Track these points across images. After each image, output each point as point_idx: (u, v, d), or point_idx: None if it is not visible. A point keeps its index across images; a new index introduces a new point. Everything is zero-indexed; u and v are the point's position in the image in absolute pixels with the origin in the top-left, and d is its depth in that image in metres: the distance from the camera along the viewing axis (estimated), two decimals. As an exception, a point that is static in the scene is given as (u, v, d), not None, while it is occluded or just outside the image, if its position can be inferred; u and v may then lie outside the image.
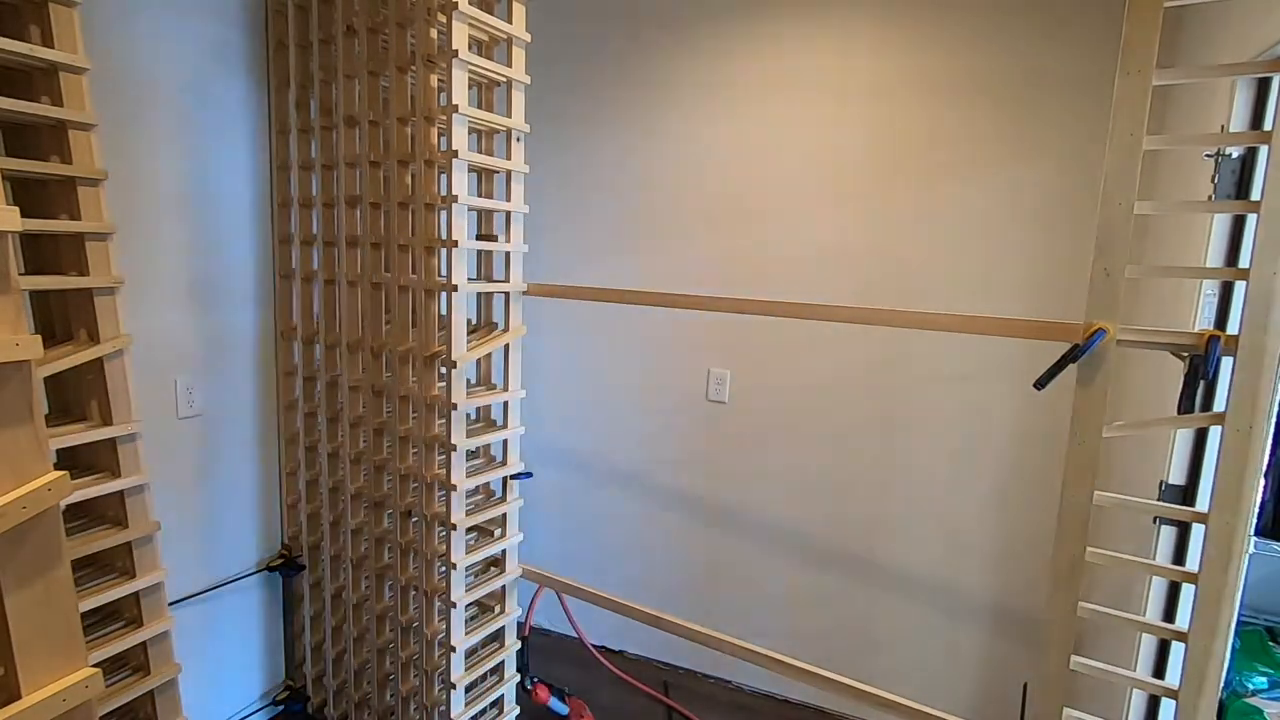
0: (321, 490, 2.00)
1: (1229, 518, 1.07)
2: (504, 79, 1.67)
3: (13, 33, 1.25)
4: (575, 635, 2.42)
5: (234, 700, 2.10)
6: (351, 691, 2.05)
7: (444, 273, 1.64)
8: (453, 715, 1.79)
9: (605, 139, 2.42)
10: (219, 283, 1.89)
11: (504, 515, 1.88)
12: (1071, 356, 1.15)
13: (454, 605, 1.73)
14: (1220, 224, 1.34)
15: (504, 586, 1.92)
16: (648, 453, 2.52)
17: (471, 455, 1.91)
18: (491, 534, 1.92)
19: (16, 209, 0.92)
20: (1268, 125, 1.23)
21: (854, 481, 2.23)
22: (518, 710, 2.02)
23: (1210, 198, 1.34)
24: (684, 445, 2.45)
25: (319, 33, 1.82)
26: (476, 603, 1.92)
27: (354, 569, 1.97)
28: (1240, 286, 1.08)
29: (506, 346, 1.81)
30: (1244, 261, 1.15)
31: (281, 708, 2.20)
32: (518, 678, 2.00)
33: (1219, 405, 1.27)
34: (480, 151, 1.77)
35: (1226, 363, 1.07)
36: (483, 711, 1.92)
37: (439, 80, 1.64)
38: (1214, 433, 1.31)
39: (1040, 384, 1.16)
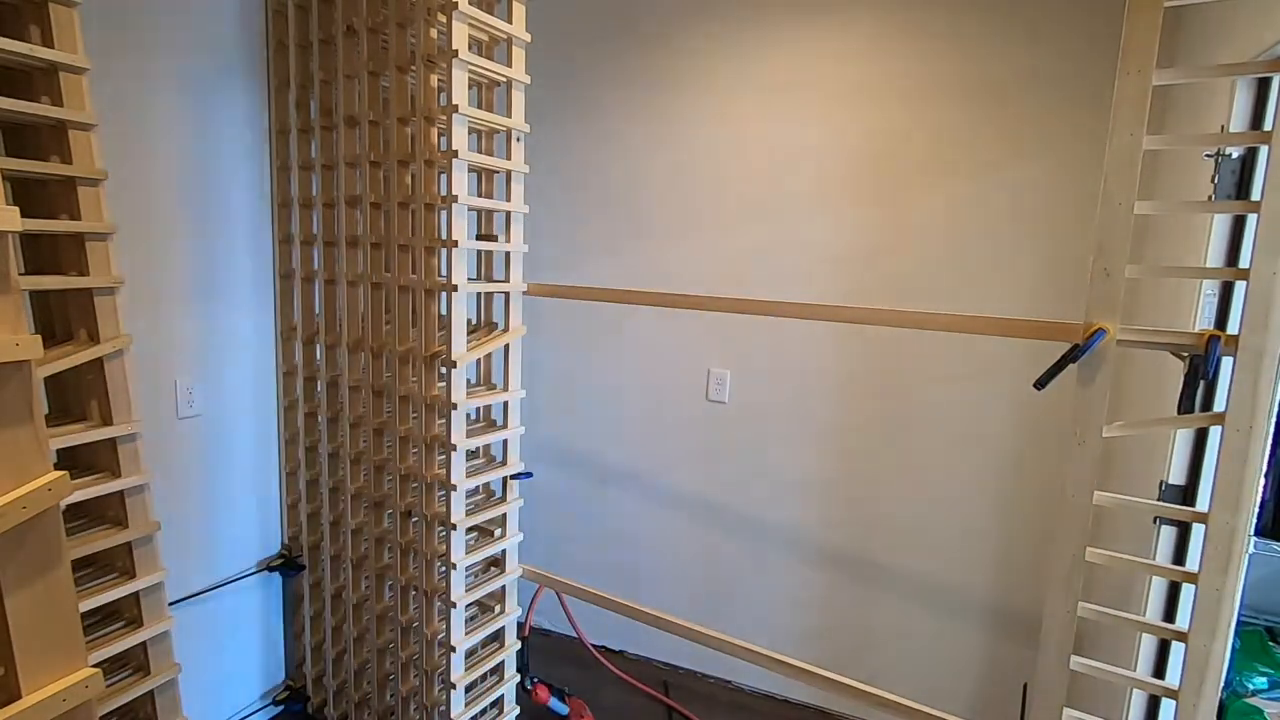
0: (321, 490, 2.00)
1: (1229, 518, 1.07)
2: (504, 79, 1.67)
3: (13, 33, 1.25)
4: (575, 635, 2.42)
5: (234, 700, 2.10)
6: (351, 691, 2.05)
7: (444, 273, 1.64)
8: (453, 715, 1.79)
9: (605, 139, 2.42)
10: (219, 283, 1.89)
11: (504, 515, 1.88)
12: (1071, 356, 1.15)
13: (454, 605, 1.73)
14: (1220, 224, 1.34)
15: (504, 586, 1.92)
16: (648, 452, 2.52)
17: (471, 455, 1.91)
18: (491, 534, 1.92)
19: (16, 209, 0.92)
20: (1268, 125, 1.23)
21: (854, 481, 2.23)
22: (518, 710, 2.02)
23: (1210, 198, 1.34)
24: (684, 445, 2.45)
25: (319, 33, 1.82)
26: (476, 603, 1.92)
27: (354, 569, 1.97)
28: (1240, 286, 1.08)
29: (506, 346, 1.81)
30: (1244, 261, 1.15)
31: (281, 708, 2.20)
32: (518, 678, 2.00)
33: (1219, 405, 1.27)
34: (480, 151, 1.77)
35: (1226, 363, 1.07)
36: (483, 711, 1.92)
37: (439, 80, 1.64)
38: (1214, 433, 1.31)
39: (1040, 384, 1.16)
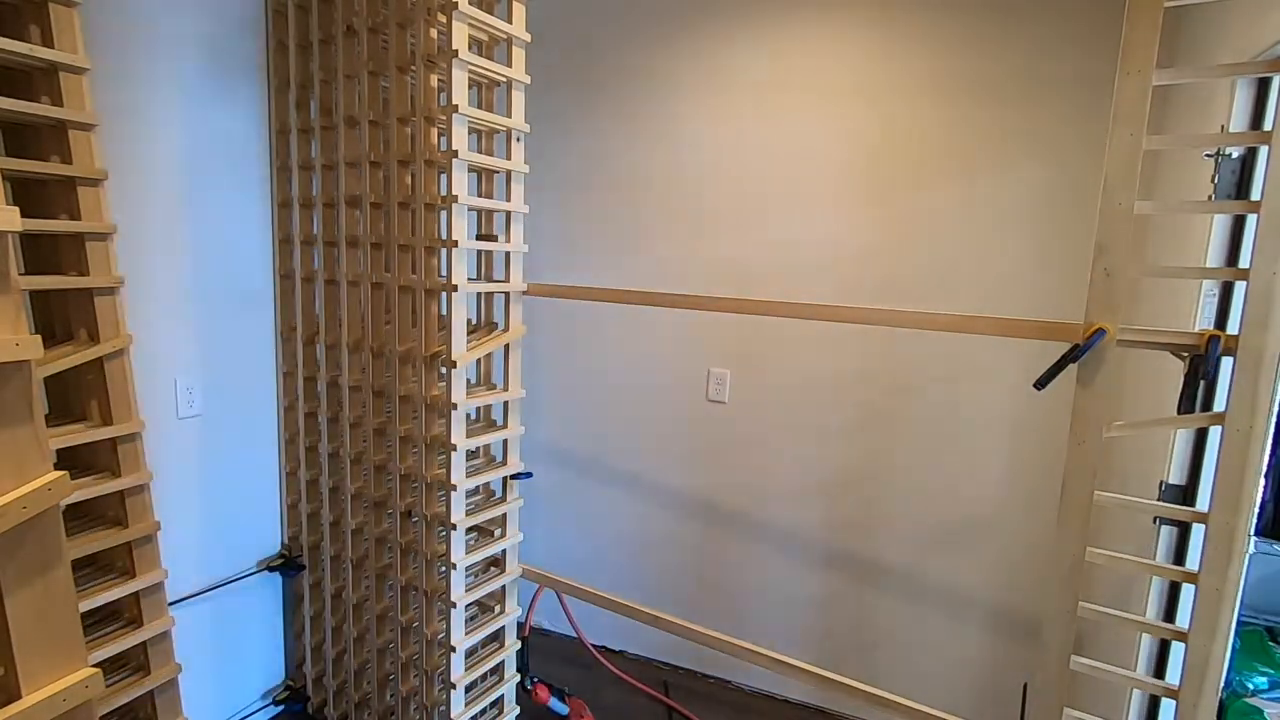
0: (321, 490, 2.00)
1: (1229, 518, 1.07)
2: (504, 79, 1.67)
3: (13, 33, 1.25)
4: (575, 635, 2.42)
5: (234, 700, 2.10)
6: (351, 691, 2.05)
7: (444, 273, 1.64)
8: (453, 715, 1.79)
9: (605, 139, 2.42)
10: (219, 283, 1.89)
11: (504, 515, 1.88)
12: (1071, 356, 1.15)
13: (454, 605, 1.73)
14: (1220, 224, 1.34)
15: (504, 586, 1.92)
16: (648, 452, 2.52)
17: (471, 455, 1.91)
18: (491, 534, 1.92)
19: (16, 209, 0.92)
20: (1268, 125, 1.23)
21: (854, 481, 2.23)
22: (518, 710, 2.02)
23: (1210, 198, 1.34)
24: (684, 445, 2.45)
25: (319, 33, 1.82)
26: (476, 603, 1.92)
27: (354, 569, 1.97)
28: (1240, 286, 1.08)
29: (506, 346, 1.81)
30: (1244, 261, 1.15)
31: (282, 708, 2.20)
32: (518, 678, 2.00)
33: (1219, 405, 1.27)
34: (480, 151, 1.77)
35: (1226, 363, 1.07)
36: (483, 711, 1.92)
37: (439, 80, 1.64)
38: (1214, 433, 1.31)
39: (1040, 384, 1.16)
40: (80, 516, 1.45)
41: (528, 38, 1.67)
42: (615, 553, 2.63)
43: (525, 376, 1.87)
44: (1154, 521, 1.43)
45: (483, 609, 1.95)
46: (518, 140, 1.72)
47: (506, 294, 1.80)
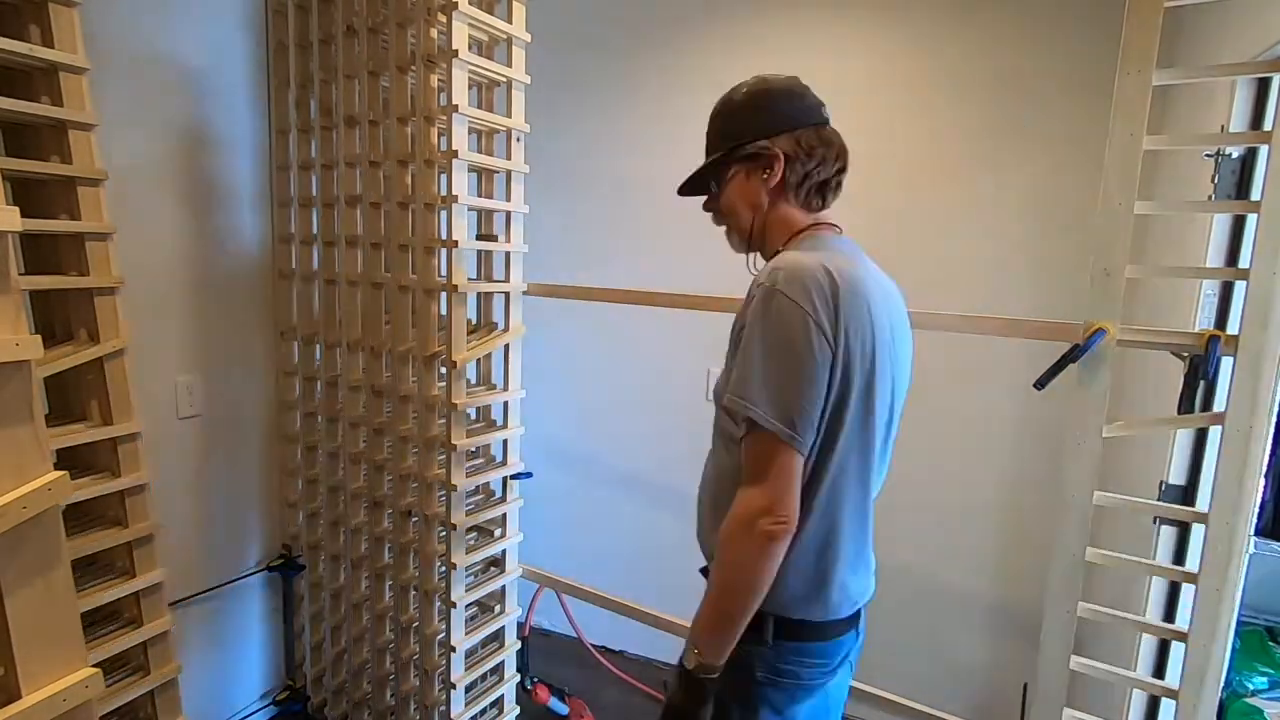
0: (321, 490, 2.00)
1: (1229, 518, 1.07)
2: (504, 79, 1.67)
3: (13, 33, 1.25)
4: (575, 635, 2.42)
5: (234, 700, 2.10)
6: (351, 691, 2.05)
7: (444, 273, 1.64)
8: (453, 715, 1.79)
9: (606, 138, 2.42)
10: (219, 283, 1.89)
11: (504, 515, 1.88)
12: (1071, 356, 1.15)
13: (454, 605, 1.73)
14: (1220, 224, 1.34)
15: (504, 586, 1.92)
16: (648, 452, 2.52)
17: (471, 455, 1.91)
18: (491, 534, 1.92)
19: (16, 209, 0.92)
20: (1268, 125, 1.23)
21: (854, 481, 2.23)
22: (518, 710, 2.02)
23: (1210, 198, 1.34)
24: (684, 445, 2.44)
25: (319, 33, 1.82)
26: (476, 603, 1.92)
27: (354, 569, 1.97)
28: (1240, 286, 1.08)
29: (506, 346, 1.81)
30: (1244, 261, 1.15)
31: (281, 708, 2.20)
32: (518, 678, 2.00)
33: (1219, 405, 1.27)
34: (480, 151, 1.77)
35: (1226, 363, 1.07)
36: (483, 711, 1.92)
37: (439, 80, 1.64)
38: (1214, 433, 1.31)
39: (1040, 384, 1.16)
40: (80, 516, 1.45)
41: (528, 38, 1.67)
42: (615, 553, 2.63)
43: (525, 376, 1.87)
44: (1154, 521, 1.43)
45: (483, 609, 1.95)
46: (518, 140, 1.72)
47: (506, 294, 1.80)
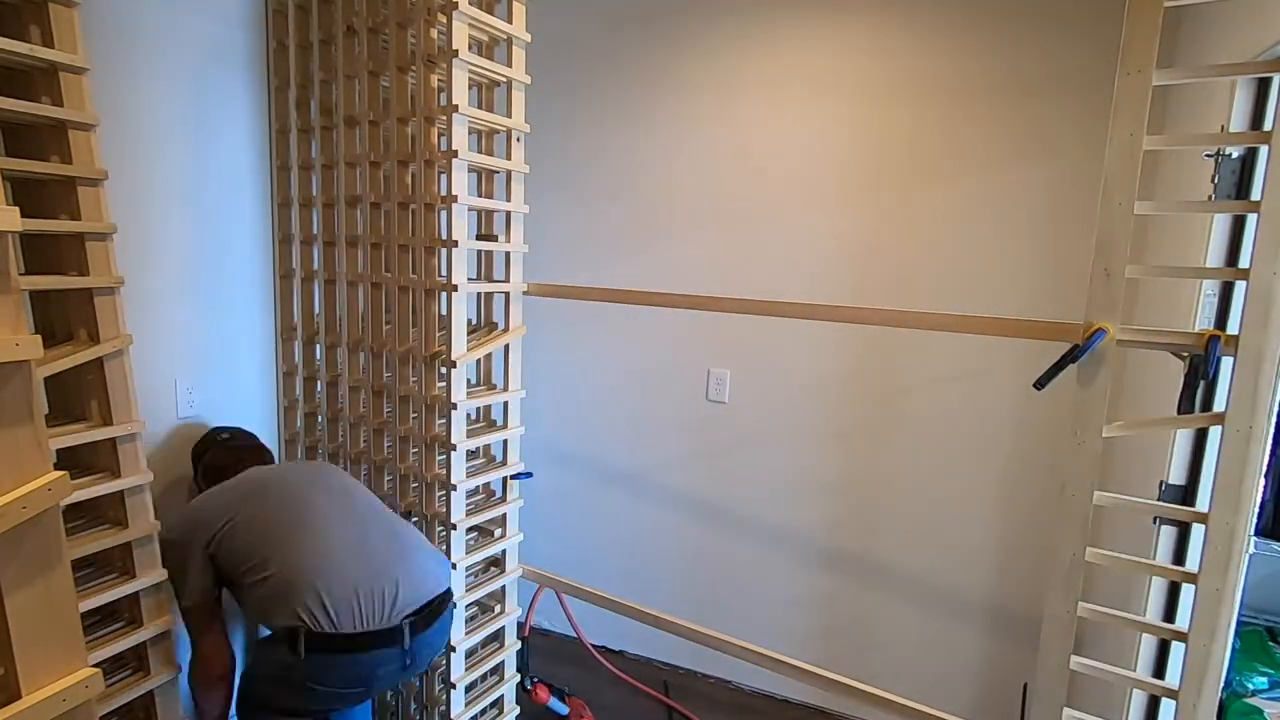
0: (321, 490, 2.00)
1: (1229, 518, 1.07)
2: (504, 79, 1.67)
3: (13, 33, 1.25)
4: (575, 635, 2.42)
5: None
6: (351, 691, 2.05)
7: (444, 273, 1.64)
8: (453, 715, 1.79)
9: (606, 139, 2.42)
10: (219, 283, 1.89)
11: (504, 515, 1.88)
12: (1071, 356, 1.15)
13: (454, 605, 1.73)
14: (1220, 224, 1.34)
15: (504, 586, 1.92)
16: (648, 452, 2.52)
17: (471, 455, 1.91)
18: (491, 534, 1.92)
19: (16, 209, 0.92)
20: (1268, 125, 1.23)
21: (854, 481, 2.23)
22: (518, 710, 2.02)
23: (1210, 198, 1.34)
24: (684, 445, 2.45)
25: (319, 33, 1.82)
26: (476, 603, 1.92)
27: (354, 569, 1.96)
28: (1240, 286, 1.08)
29: (506, 346, 1.81)
30: (1244, 261, 1.15)
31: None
32: (518, 678, 2.00)
33: (1219, 405, 1.27)
34: (480, 151, 1.77)
35: (1226, 363, 1.07)
36: (483, 711, 1.92)
37: (439, 80, 1.64)
38: (1214, 433, 1.31)
39: (1040, 384, 1.16)
40: (80, 516, 1.45)
41: (528, 38, 1.67)
42: (615, 552, 2.63)
43: (525, 376, 1.87)
44: (1154, 521, 1.43)
45: (483, 609, 1.95)
46: (518, 140, 1.72)
47: (506, 294, 1.80)
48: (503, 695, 1.96)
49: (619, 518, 2.60)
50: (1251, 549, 1.11)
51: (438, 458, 1.72)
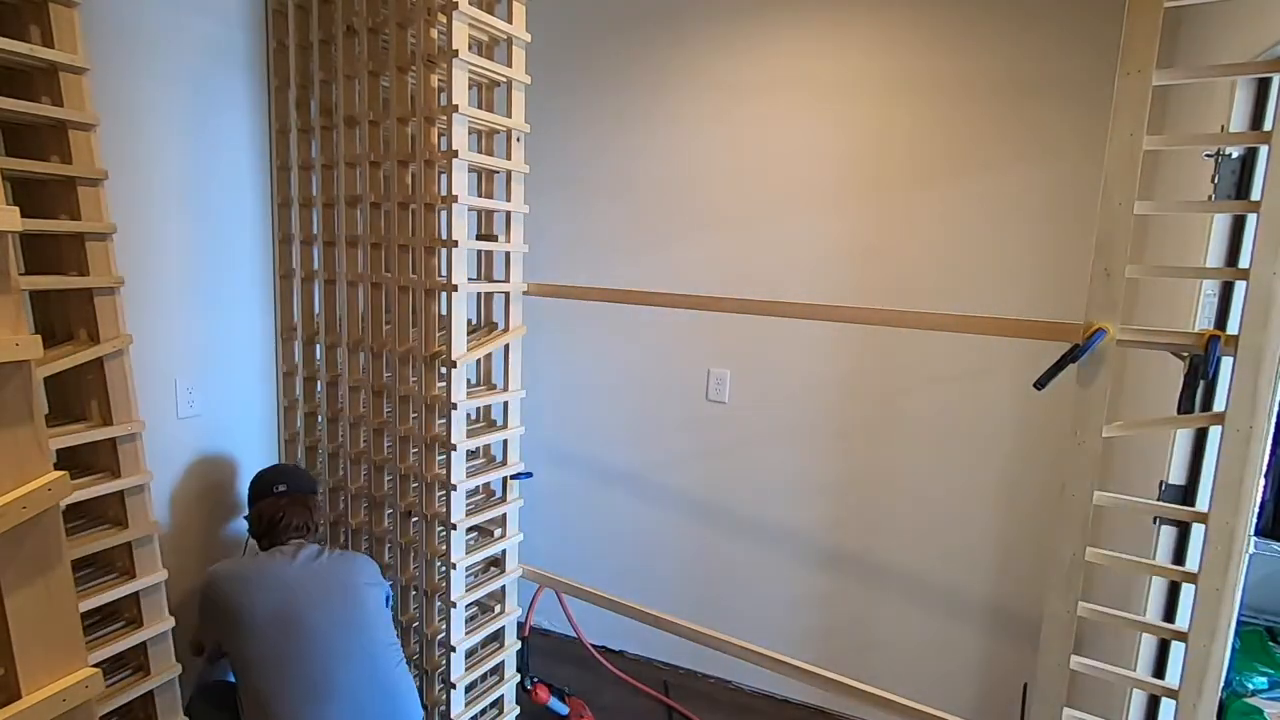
0: (322, 490, 2.00)
1: (1229, 518, 1.07)
2: (504, 79, 1.67)
3: (13, 33, 1.25)
4: (575, 635, 2.42)
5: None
6: (351, 691, 2.05)
7: (444, 273, 1.64)
8: (453, 715, 1.79)
9: (605, 139, 2.42)
10: (219, 283, 1.89)
11: (504, 515, 1.88)
12: (1071, 356, 1.15)
13: (454, 605, 1.73)
14: (1220, 224, 1.34)
15: (504, 586, 1.92)
16: (647, 452, 2.52)
17: (471, 455, 1.91)
18: (491, 534, 1.92)
19: (16, 209, 0.92)
20: (1268, 125, 1.23)
21: (854, 481, 2.23)
22: (518, 710, 2.02)
23: (1210, 198, 1.34)
24: (684, 445, 2.45)
25: (319, 33, 1.83)
26: (476, 603, 1.92)
27: (354, 569, 1.96)
28: (1240, 286, 1.08)
29: (506, 346, 1.81)
30: (1244, 261, 1.15)
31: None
32: (518, 678, 2.00)
33: (1219, 405, 1.27)
34: (480, 151, 1.77)
35: (1226, 363, 1.07)
36: (483, 711, 1.92)
37: (439, 80, 1.64)
38: (1214, 433, 1.31)
39: (1040, 384, 1.16)
40: (80, 516, 1.45)
41: (528, 38, 1.67)
42: (615, 552, 2.63)
43: (525, 376, 1.87)
44: (1154, 521, 1.43)
45: (483, 609, 1.95)
46: (518, 140, 1.72)
47: (506, 294, 1.80)
48: (503, 695, 1.96)
49: (619, 518, 2.60)
50: (1251, 549, 1.11)
51: (438, 458, 1.72)
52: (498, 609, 1.95)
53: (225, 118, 1.87)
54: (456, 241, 1.58)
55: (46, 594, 0.97)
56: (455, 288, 1.60)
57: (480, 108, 1.69)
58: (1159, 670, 1.44)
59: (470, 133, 1.64)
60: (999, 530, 2.09)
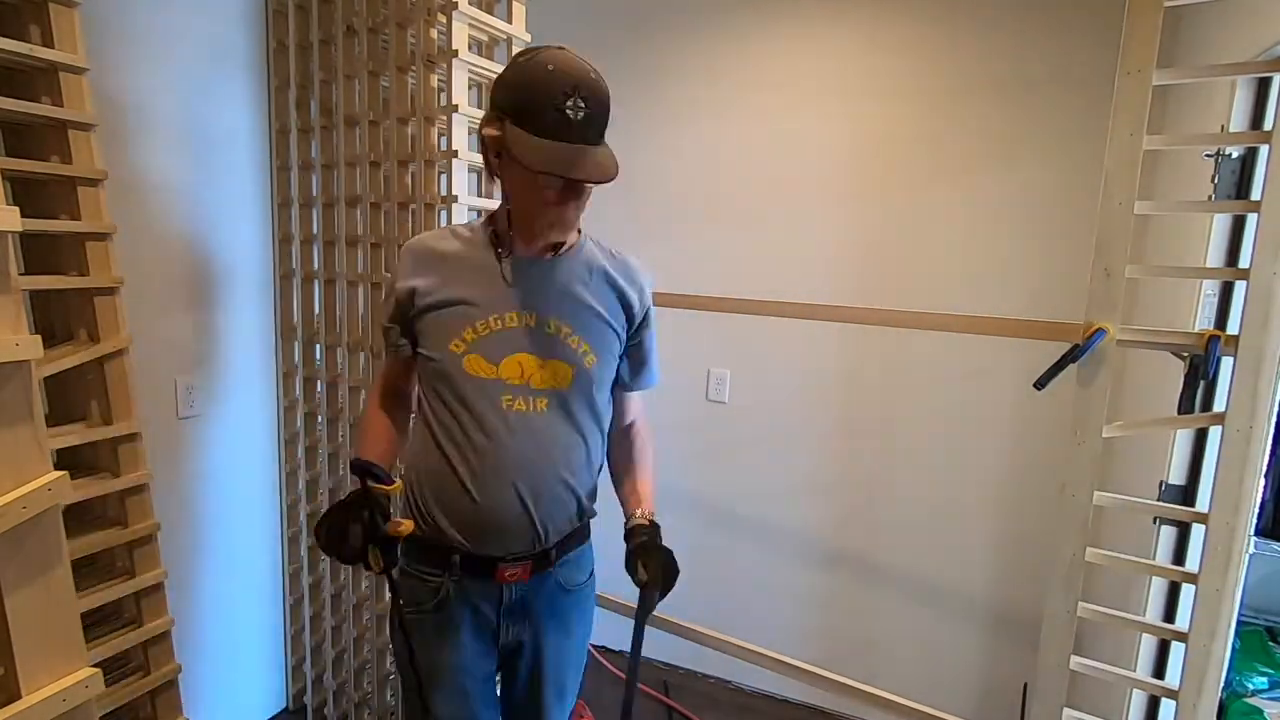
0: (321, 490, 2.00)
1: (1229, 518, 1.07)
2: (504, 79, 1.67)
3: (13, 33, 1.25)
4: (575, 635, 2.42)
5: (234, 700, 2.10)
6: (351, 691, 2.05)
7: (444, 273, 1.64)
8: (453, 715, 1.79)
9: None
10: (219, 283, 1.89)
11: (504, 515, 1.88)
12: (1071, 356, 1.15)
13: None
14: (1220, 224, 1.34)
15: (504, 586, 1.92)
16: (648, 453, 2.52)
17: (471, 455, 1.90)
18: (491, 534, 1.91)
19: (16, 209, 0.92)
20: (1268, 125, 1.23)
21: (854, 481, 2.23)
22: (518, 710, 2.01)
23: (1210, 198, 1.34)
24: (684, 445, 2.45)
25: (319, 33, 1.82)
26: (476, 603, 1.92)
27: (354, 569, 1.97)
28: (1240, 286, 1.08)
29: (506, 346, 1.81)
30: (1244, 261, 1.15)
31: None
32: (518, 678, 2.00)
33: (1219, 405, 1.27)
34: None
35: (1226, 363, 1.07)
36: (483, 711, 1.92)
37: (439, 80, 1.64)
38: (1214, 433, 1.31)
39: (1040, 384, 1.16)
40: (80, 516, 1.45)
41: (528, 38, 1.67)
42: (615, 552, 2.63)
43: (525, 376, 1.87)
44: (1154, 521, 1.43)
45: (483, 609, 1.95)
46: (518, 140, 1.71)
47: (506, 294, 1.80)
48: (503, 695, 1.96)
49: (618, 517, 2.60)
50: (1251, 549, 1.11)
51: (438, 458, 1.72)
52: (498, 609, 1.94)
53: (225, 118, 1.86)
54: (456, 241, 1.58)
55: (46, 594, 0.97)
56: (455, 288, 1.60)
57: (480, 108, 1.69)
58: (1159, 670, 1.44)
59: (470, 133, 1.64)
60: (999, 530, 2.09)
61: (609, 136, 1.08)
